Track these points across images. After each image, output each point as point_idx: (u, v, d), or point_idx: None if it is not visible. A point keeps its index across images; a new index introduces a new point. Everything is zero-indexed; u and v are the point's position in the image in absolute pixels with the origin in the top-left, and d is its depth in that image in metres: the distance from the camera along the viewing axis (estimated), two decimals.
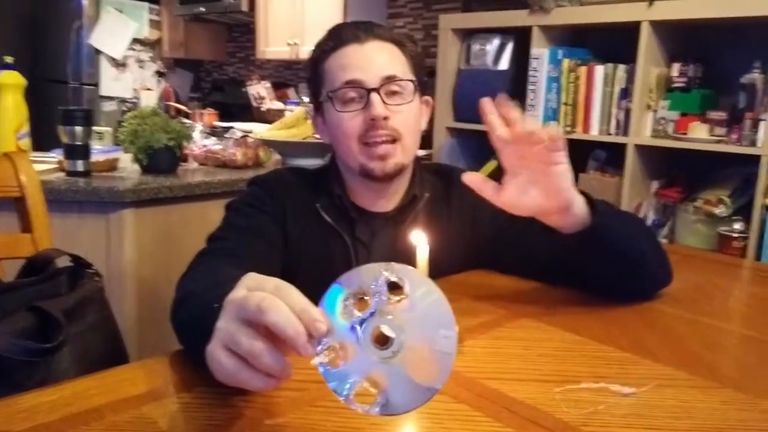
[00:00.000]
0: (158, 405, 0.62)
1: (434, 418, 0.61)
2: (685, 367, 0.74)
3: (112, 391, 0.65)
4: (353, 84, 0.97)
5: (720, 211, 1.97)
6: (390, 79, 0.97)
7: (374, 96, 0.96)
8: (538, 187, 0.82)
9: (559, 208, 0.84)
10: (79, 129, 1.73)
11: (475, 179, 0.85)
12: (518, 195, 0.83)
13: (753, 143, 1.89)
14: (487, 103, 0.79)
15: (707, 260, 1.45)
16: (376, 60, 0.98)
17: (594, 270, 0.91)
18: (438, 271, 1.03)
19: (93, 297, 1.10)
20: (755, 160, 1.86)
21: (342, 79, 0.98)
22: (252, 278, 0.53)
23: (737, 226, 1.93)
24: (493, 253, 1.08)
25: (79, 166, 1.75)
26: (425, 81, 1.08)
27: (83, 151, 1.76)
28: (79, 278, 1.11)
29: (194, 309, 0.68)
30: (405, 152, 1.01)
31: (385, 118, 0.96)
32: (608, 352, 0.79)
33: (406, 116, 0.99)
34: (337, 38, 1.01)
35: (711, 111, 2.06)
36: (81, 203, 1.65)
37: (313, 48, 1.05)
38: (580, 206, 0.85)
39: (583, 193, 0.87)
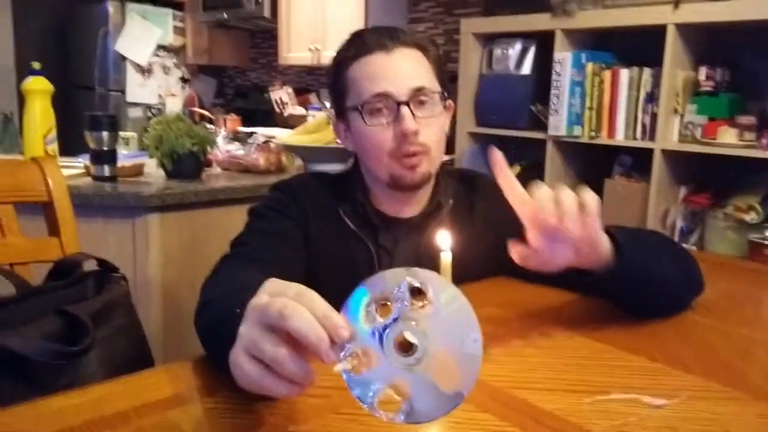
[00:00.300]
0: (183, 410, 0.62)
1: (459, 427, 0.60)
2: (718, 378, 0.72)
3: (138, 396, 0.65)
4: (383, 96, 0.95)
5: (751, 217, 1.93)
6: (419, 91, 0.96)
7: (405, 110, 0.94)
8: (568, 246, 0.76)
9: (589, 262, 0.80)
10: (105, 134, 1.76)
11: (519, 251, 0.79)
12: (546, 257, 0.77)
13: None
14: (498, 157, 0.76)
15: (738, 268, 1.42)
16: (404, 70, 0.97)
17: (622, 301, 0.90)
18: (462, 277, 1.01)
19: (119, 301, 1.11)
20: None
21: (371, 90, 0.96)
22: (274, 284, 0.53)
23: None
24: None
25: (106, 171, 1.78)
26: (448, 85, 1.07)
27: (109, 157, 1.78)
28: (106, 282, 1.13)
29: (217, 314, 0.68)
30: (432, 162, 1.00)
31: (416, 133, 0.95)
32: (638, 362, 0.77)
33: (435, 129, 0.99)
34: (361, 45, 0.99)
35: (739, 115, 2.02)
36: (107, 208, 1.67)
37: (335, 54, 1.03)
38: (605, 246, 0.80)
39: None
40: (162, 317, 1.70)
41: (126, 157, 1.91)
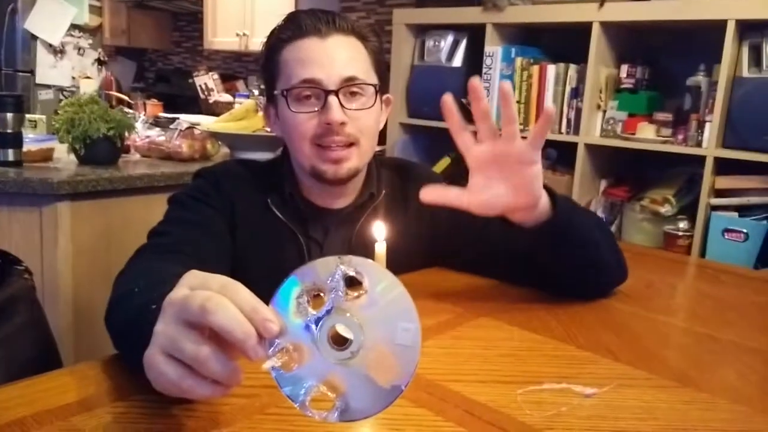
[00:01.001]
0: (90, 416, 0.57)
1: (393, 424, 0.58)
2: (644, 365, 0.74)
3: (38, 401, 0.58)
4: (311, 83, 0.91)
5: (665, 210, 2.02)
6: (350, 81, 0.92)
7: (332, 99, 0.90)
8: (508, 186, 0.80)
9: (528, 205, 0.82)
10: (9, 116, 1.61)
11: (435, 195, 0.82)
12: (486, 196, 0.81)
13: (698, 144, 1.94)
14: (448, 101, 0.76)
15: (657, 257, 1.48)
16: (338, 58, 0.92)
17: (555, 263, 0.90)
18: (395, 268, 1.00)
19: (22, 296, 1.02)
20: (700, 160, 1.92)
21: (300, 76, 0.91)
22: (195, 276, 0.48)
23: (682, 224, 1.98)
24: (452, 249, 1.06)
25: (10, 155, 1.64)
26: (387, 78, 1.04)
27: (14, 140, 1.64)
28: (7, 276, 1.03)
29: (130, 310, 0.62)
30: (361, 157, 0.96)
31: (343, 124, 0.91)
32: (568, 351, 0.77)
33: (365, 121, 0.94)
34: (296, 27, 0.94)
35: (657, 112, 2.12)
36: (11, 195, 1.54)
37: (269, 34, 0.98)
38: (544, 201, 0.83)
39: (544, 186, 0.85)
40: (72, 314, 1.58)
41: (33, 141, 1.76)
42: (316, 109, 0.91)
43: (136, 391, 0.59)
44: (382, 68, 1.01)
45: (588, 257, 0.90)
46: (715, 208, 1.93)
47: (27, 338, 0.97)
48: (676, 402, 0.65)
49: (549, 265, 0.91)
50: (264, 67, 0.99)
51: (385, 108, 1.05)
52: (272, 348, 0.44)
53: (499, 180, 0.80)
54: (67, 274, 1.58)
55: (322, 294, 0.44)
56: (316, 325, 0.44)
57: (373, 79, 0.96)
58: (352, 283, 0.44)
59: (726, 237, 1.88)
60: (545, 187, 0.84)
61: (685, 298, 1.14)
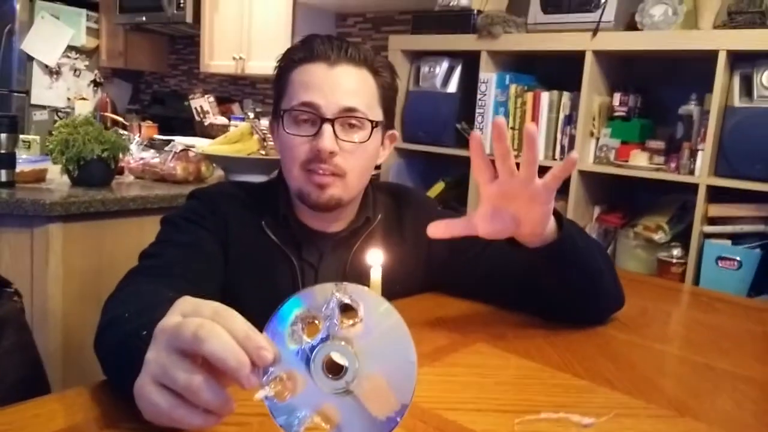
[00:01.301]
0: None
1: None
2: (642, 395, 0.73)
3: (26, 428, 0.57)
4: (309, 107, 0.91)
5: (659, 237, 2.02)
6: (350, 112, 0.91)
7: (326, 127, 0.90)
8: (518, 218, 0.79)
9: (535, 233, 0.81)
10: (3, 136, 1.61)
11: (442, 230, 0.81)
12: (496, 226, 0.80)
13: (691, 172, 1.96)
14: (475, 139, 0.77)
15: (651, 285, 1.48)
16: (341, 87, 0.91)
17: (557, 285, 0.89)
18: (391, 294, 0.99)
19: (11, 319, 1.00)
20: (693, 188, 1.93)
21: (300, 98, 0.91)
22: (187, 302, 0.47)
23: (675, 252, 1.98)
24: (450, 274, 1.05)
25: (2, 176, 1.63)
26: (394, 114, 1.03)
27: (7, 160, 1.63)
28: None
29: (120, 336, 0.61)
30: (346, 189, 0.94)
31: (332, 153, 0.90)
32: (565, 379, 0.76)
33: (357, 156, 0.93)
34: (308, 50, 0.93)
35: (650, 140, 2.13)
36: (2, 216, 1.53)
37: (283, 53, 0.98)
38: (550, 223, 0.82)
39: None
40: (62, 338, 1.56)
41: (27, 161, 1.76)
42: (310, 134, 0.91)
43: (125, 418, 0.58)
44: (391, 104, 1.00)
45: (590, 281, 0.90)
46: (708, 235, 1.93)
47: (14, 361, 0.95)
48: None
49: (550, 288, 0.90)
50: (274, 85, 1.00)
51: (389, 144, 1.04)
52: (266, 377, 0.43)
53: (510, 212, 0.79)
54: (58, 297, 1.56)
55: (317, 321, 0.43)
56: (311, 354, 0.43)
57: (377, 114, 0.95)
58: (348, 310, 0.44)
59: (720, 265, 1.89)
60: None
61: (680, 326, 1.13)
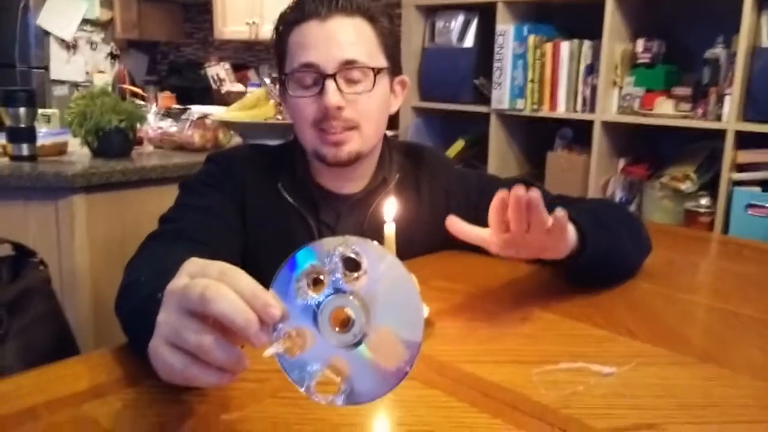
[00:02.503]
0: (101, 403, 0.57)
1: (405, 405, 0.57)
2: (664, 343, 0.72)
3: (50, 389, 0.59)
4: (309, 67, 0.90)
5: (686, 186, 1.98)
6: (350, 64, 0.90)
7: (329, 83, 0.88)
8: (532, 254, 0.77)
9: (552, 258, 0.80)
10: (22, 110, 1.62)
11: (455, 228, 0.76)
12: (507, 252, 0.76)
13: (718, 118, 1.89)
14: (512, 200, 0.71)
15: (678, 235, 1.45)
16: (336, 40, 0.90)
17: (583, 282, 0.89)
18: (409, 251, 0.99)
19: (38, 288, 1.03)
20: (720, 135, 1.87)
21: (299, 60, 0.90)
22: (194, 263, 0.47)
23: (703, 201, 1.94)
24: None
25: (24, 150, 1.65)
26: (399, 60, 1.01)
27: (28, 134, 1.65)
28: (22, 268, 1.04)
29: (137, 300, 0.62)
30: (364, 140, 0.94)
31: (340, 108, 0.89)
32: (584, 330, 0.76)
33: (366, 105, 0.92)
34: (299, 10, 0.92)
35: (675, 87, 2.07)
36: (27, 189, 1.55)
37: (277, 18, 0.97)
38: (571, 238, 0.79)
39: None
40: (91, 305, 1.60)
41: (47, 134, 1.77)
42: (314, 93, 0.90)
43: (146, 377, 0.59)
44: (394, 50, 0.98)
45: (618, 268, 0.91)
46: (737, 183, 1.88)
47: (43, 329, 0.98)
48: (696, 379, 0.64)
49: (578, 281, 0.89)
50: (275, 50, 0.99)
51: (401, 90, 1.02)
52: (275, 333, 0.43)
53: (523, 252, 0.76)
54: (84, 266, 1.59)
55: (321, 276, 0.43)
56: (318, 309, 0.43)
57: (379, 61, 0.94)
58: (353, 264, 0.43)
59: (749, 212, 1.84)
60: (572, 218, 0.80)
61: (707, 275, 1.11)
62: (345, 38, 0.91)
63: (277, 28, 0.96)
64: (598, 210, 0.93)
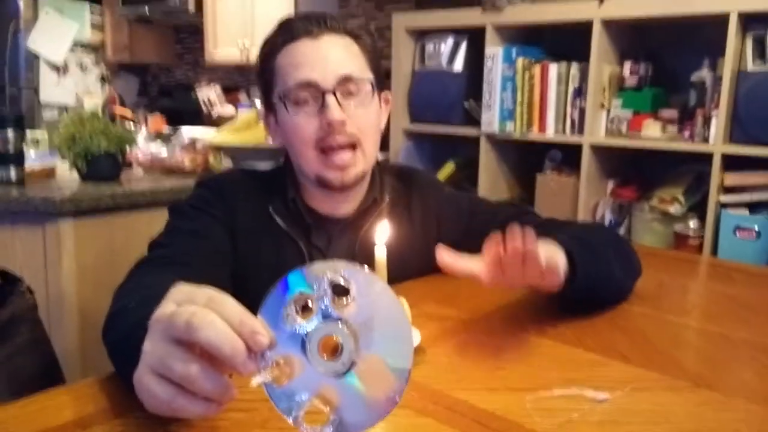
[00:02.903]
0: None
1: None
2: (656, 367, 0.71)
3: (36, 420, 0.57)
4: (307, 84, 0.89)
5: (674, 209, 1.99)
6: (347, 79, 0.90)
7: (330, 98, 0.88)
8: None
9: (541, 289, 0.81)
10: (10, 134, 1.61)
11: (445, 261, 0.75)
12: (498, 284, 0.76)
13: (705, 140, 1.92)
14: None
15: (668, 257, 1.45)
16: (331, 57, 0.91)
17: (573, 307, 0.89)
18: (401, 274, 0.99)
19: (24, 315, 1.01)
20: (707, 157, 1.89)
21: (295, 78, 0.90)
22: (181, 291, 0.47)
23: (692, 224, 1.95)
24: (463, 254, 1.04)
25: (12, 174, 1.63)
26: (383, 77, 1.02)
27: (16, 159, 1.64)
28: (8, 295, 1.02)
29: (124, 327, 0.61)
30: (365, 159, 0.94)
31: (343, 123, 0.89)
32: (577, 354, 0.75)
33: (365, 119, 0.93)
34: (287, 32, 0.93)
35: (662, 109, 2.09)
36: (14, 214, 1.54)
37: (262, 43, 0.97)
38: (559, 267, 0.79)
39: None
40: (78, 332, 1.57)
41: (36, 158, 1.76)
42: (315, 110, 0.90)
43: (133, 408, 0.57)
44: (378, 66, 0.99)
45: (608, 293, 0.92)
46: (725, 205, 1.89)
47: (29, 357, 0.96)
48: (690, 404, 0.63)
49: (569, 306, 0.90)
50: (259, 76, 0.98)
51: (385, 106, 1.03)
52: (263, 362, 0.42)
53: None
54: (72, 292, 1.57)
55: (310, 303, 0.42)
56: (306, 336, 0.42)
57: (369, 75, 0.95)
58: (342, 290, 0.43)
59: (737, 235, 1.85)
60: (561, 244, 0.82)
61: (697, 297, 1.11)
62: (338, 54, 0.92)
63: (263, 53, 0.96)
64: (588, 235, 0.93)
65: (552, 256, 0.75)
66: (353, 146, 0.92)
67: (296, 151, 0.95)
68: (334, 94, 0.89)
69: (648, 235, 2.09)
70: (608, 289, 0.91)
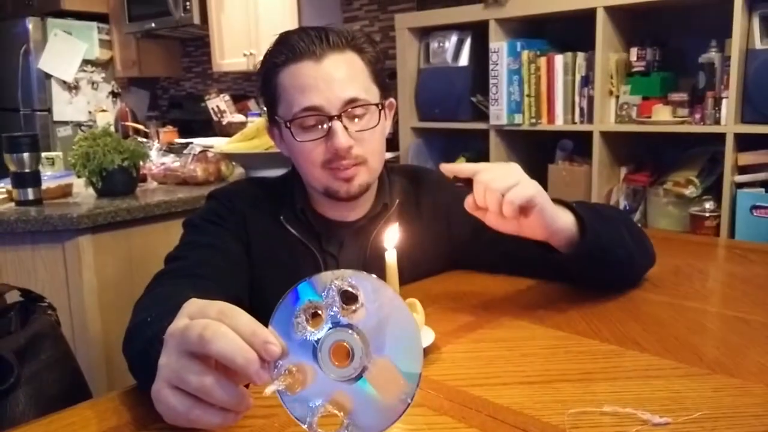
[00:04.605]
0: None
1: None
2: (672, 354, 0.71)
3: None
4: (313, 111, 0.89)
5: (690, 191, 1.97)
6: (352, 103, 0.90)
7: (337, 125, 0.88)
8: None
9: (545, 237, 0.83)
10: (26, 155, 1.65)
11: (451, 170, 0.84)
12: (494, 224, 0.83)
13: (716, 121, 1.89)
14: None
15: (683, 242, 1.44)
16: (336, 80, 0.89)
17: (586, 277, 0.90)
18: (414, 274, 1.00)
19: (46, 333, 1.03)
20: (720, 138, 1.87)
21: (300, 104, 0.89)
22: (193, 304, 0.48)
23: (708, 205, 1.93)
24: (472, 252, 1.04)
25: (30, 194, 1.67)
26: (387, 83, 1.02)
27: (32, 179, 1.67)
28: (31, 313, 1.05)
29: (141, 341, 0.62)
30: (371, 173, 0.95)
31: (350, 148, 0.90)
32: (592, 345, 0.75)
33: (371, 140, 0.93)
34: (290, 50, 0.91)
35: (672, 93, 2.07)
36: (34, 233, 1.57)
37: (264, 57, 0.95)
38: (565, 224, 0.82)
39: (562, 201, 0.85)
40: (102, 346, 1.60)
41: (51, 177, 1.80)
42: (322, 136, 0.90)
43: (155, 420, 0.59)
44: (383, 76, 0.98)
45: (620, 271, 0.91)
46: (740, 185, 1.87)
47: (54, 374, 0.98)
48: (706, 390, 0.63)
49: (580, 278, 0.90)
50: (262, 91, 0.98)
51: (390, 113, 1.03)
52: (276, 370, 0.43)
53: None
54: (94, 306, 1.60)
55: (319, 311, 0.43)
56: (317, 344, 0.43)
57: (374, 94, 0.94)
58: (350, 297, 0.44)
59: (754, 214, 1.83)
60: (564, 202, 0.84)
61: (713, 282, 1.10)
62: (342, 76, 0.90)
63: (264, 68, 0.95)
64: (600, 207, 0.95)
65: (534, 195, 0.80)
66: (359, 164, 0.93)
67: (304, 170, 0.96)
68: (340, 119, 0.89)
69: (664, 218, 2.07)
70: (618, 255, 0.88)
